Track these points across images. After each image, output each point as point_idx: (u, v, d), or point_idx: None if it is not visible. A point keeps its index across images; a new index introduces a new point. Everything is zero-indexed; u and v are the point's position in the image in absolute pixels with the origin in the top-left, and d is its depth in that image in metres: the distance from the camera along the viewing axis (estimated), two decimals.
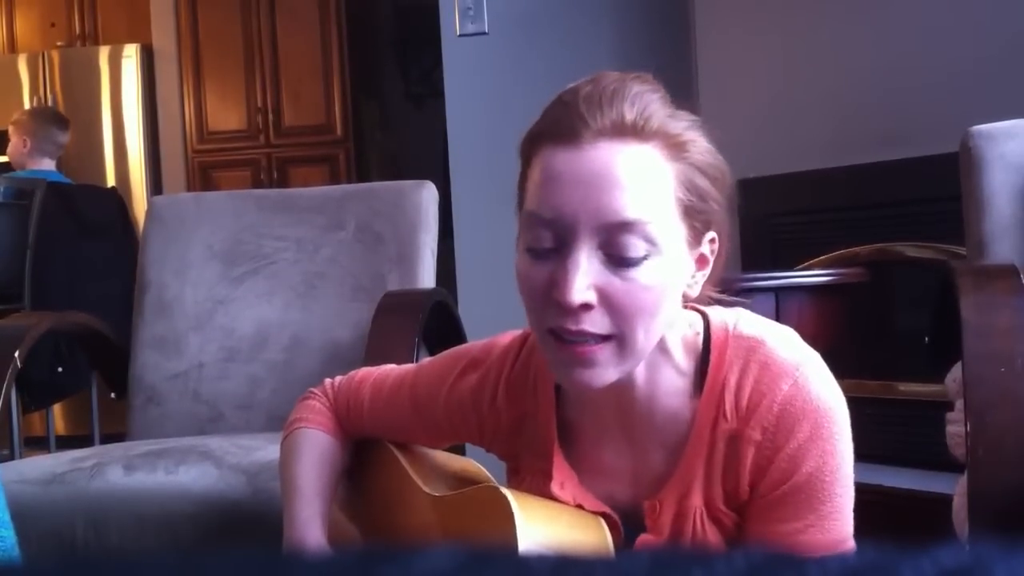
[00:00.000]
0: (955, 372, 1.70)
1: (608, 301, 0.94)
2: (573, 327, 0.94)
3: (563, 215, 0.94)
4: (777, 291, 2.02)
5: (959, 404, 1.60)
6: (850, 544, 1.00)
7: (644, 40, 3.29)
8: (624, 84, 0.97)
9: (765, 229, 2.93)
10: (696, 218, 0.98)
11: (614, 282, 0.94)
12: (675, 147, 0.96)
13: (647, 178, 0.94)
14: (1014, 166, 1.82)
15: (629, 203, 0.93)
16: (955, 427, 1.70)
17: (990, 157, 1.82)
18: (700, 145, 0.99)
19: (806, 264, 2.59)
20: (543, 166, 0.96)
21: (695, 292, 1.02)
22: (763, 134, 2.96)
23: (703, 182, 0.98)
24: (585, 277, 0.93)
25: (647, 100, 0.96)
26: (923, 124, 2.54)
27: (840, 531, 0.99)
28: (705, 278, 1.02)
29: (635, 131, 0.94)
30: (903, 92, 2.64)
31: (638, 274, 0.94)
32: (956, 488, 1.60)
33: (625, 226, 0.93)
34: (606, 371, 0.97)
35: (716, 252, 1.02)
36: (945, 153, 1.97)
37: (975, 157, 1.83)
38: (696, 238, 0.99)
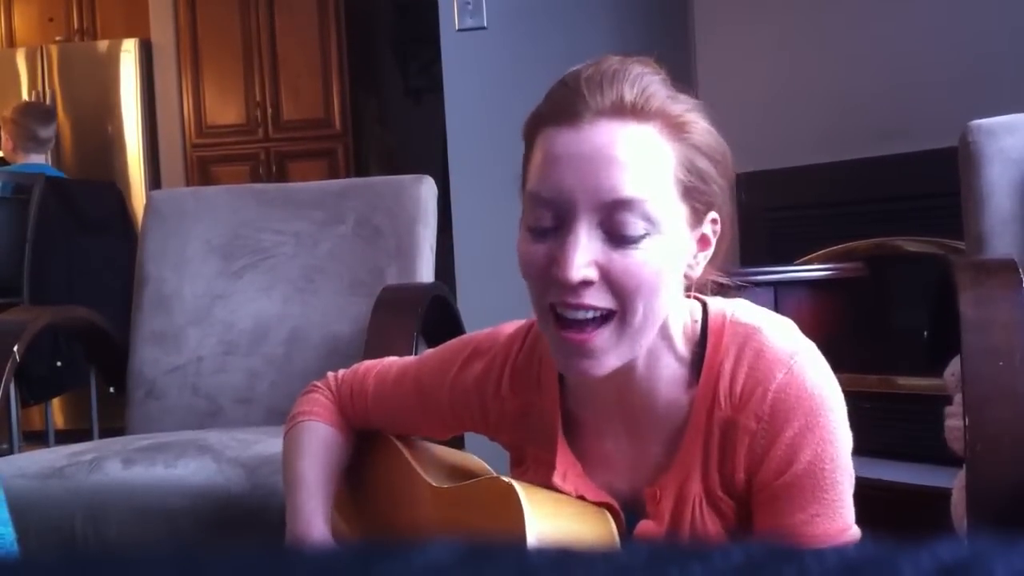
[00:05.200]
0: (954, 367, 1.70)
1: (608, 277, 0.95)
2: (573, 300, 0.95)
3: (562, 194, 0.95)
4: (776, 286, 2.02)
5: (958, 399, 1.60)
6: (853, 531, 1.01)
7: (643, 35, 3.29)
8: (625, 66, 0.98)
9: (763, 224, 2.93)
10: (697, 199, 0.99)
11: (614, 259, 0.95)
12: (675, 128, 0.97)
13: (646, 157, 0.95)
14: (1013, 161, 1.82)
15: (627, 181, 0.94)
16: (954, 421, 1.70)
17: (989, 152, 1.82)
18: (700, 127, 0.99)
19: (805, 259, 2.59)
20: (544, 147, 0.97)
21: (697, 273, 1.03)
22: (762, 129, 2.96)
23: (704, 163, 0.99)
24: (585, 254, 0.94)
25: (647, 81, 0.97)
26: (922, 119, 2.54)
27: (844, 519, 1.00)
28: (707, 259, 1.03)
29: (635, 111, 0.95)
30: (902, 87, 2.64)
31: (637, 252, 0.95)
32: (954, 482, 1.60)
33: (623, 204, 0.94)
34: (606, 358, 0.97)
35: (719, 233, 1.02)
36: (944, 148, 1.97)
37: (974, 152, 1.83)
38: (697, 219, 1.00)
